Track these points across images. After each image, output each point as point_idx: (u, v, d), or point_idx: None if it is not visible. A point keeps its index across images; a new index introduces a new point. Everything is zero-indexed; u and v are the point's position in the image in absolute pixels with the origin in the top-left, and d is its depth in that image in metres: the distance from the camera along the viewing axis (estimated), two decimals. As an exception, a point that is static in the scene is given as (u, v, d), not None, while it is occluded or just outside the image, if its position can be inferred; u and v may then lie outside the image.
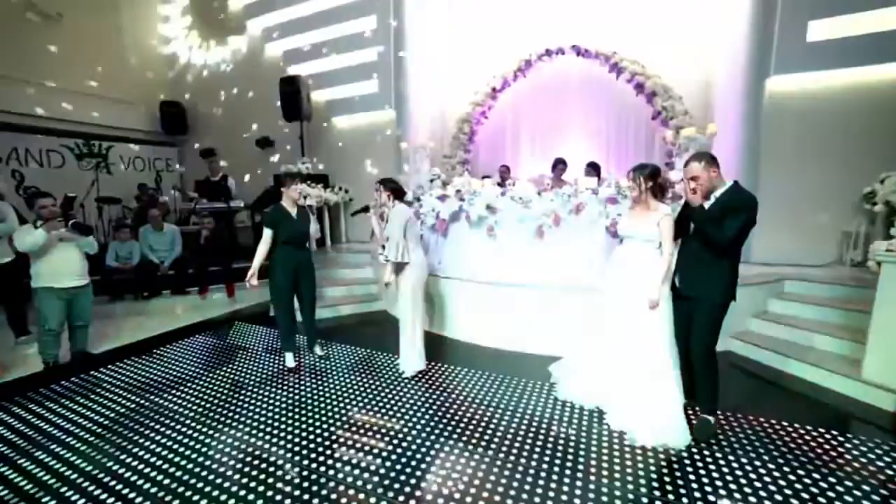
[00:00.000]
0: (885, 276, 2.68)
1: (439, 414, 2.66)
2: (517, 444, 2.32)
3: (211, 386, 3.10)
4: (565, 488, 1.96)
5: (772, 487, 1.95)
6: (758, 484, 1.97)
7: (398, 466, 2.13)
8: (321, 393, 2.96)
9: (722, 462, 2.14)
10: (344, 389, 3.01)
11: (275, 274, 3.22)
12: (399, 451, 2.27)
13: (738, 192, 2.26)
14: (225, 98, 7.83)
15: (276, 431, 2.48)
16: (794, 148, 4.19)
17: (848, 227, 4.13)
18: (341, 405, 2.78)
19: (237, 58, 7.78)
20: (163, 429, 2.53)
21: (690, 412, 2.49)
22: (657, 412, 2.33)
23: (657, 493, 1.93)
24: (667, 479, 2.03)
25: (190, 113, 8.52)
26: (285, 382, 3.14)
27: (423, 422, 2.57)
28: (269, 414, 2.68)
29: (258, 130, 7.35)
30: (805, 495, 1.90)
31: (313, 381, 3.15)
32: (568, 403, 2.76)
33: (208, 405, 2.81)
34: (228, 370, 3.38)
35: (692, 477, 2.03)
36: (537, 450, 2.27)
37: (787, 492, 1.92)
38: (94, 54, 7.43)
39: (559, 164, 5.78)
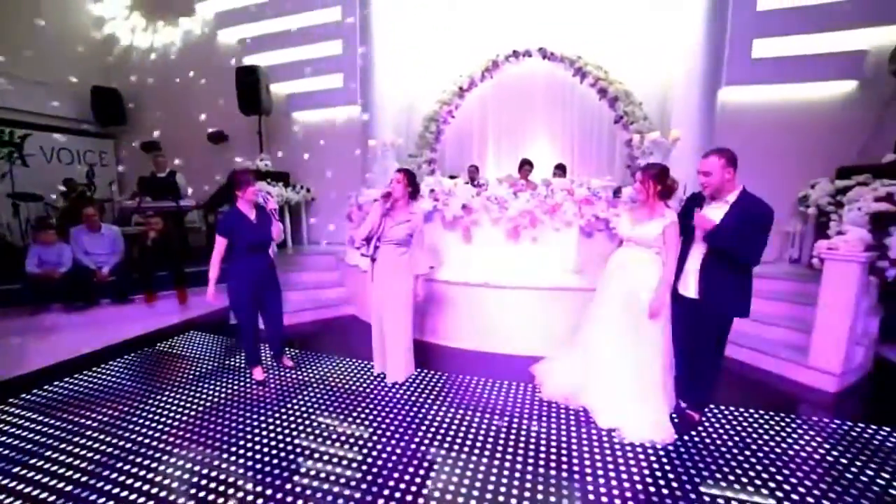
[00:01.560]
0: (826, 272, 2.98)
1: (426, 421, 2.57)
2: (510, 448, 2.30)
3: (166, 406, 2.77)
4: (564, 491, 1.97)
5: (750, 473, 2.09)
6: (738, 470, 2.11)
7: (389, 481, 2.03)
8: (294, 407, 2.76)
9: (705, 452, 2.26)
10: (320, 401, 2.83)
11: (233, 285, 2.91)
12: (388, 462, 2.17)
13: (758, 205, 2.15)
14: (171, 87, 7.15)
15: (246, 452, 2.27)
16: (743, 154, 4.51)
17: (787, 228, 4.57)
18: (318, 419, 2.61)
19: (185, 44, 7.12)
20: (111, 460, 2.22)
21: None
22: (646, 411, 2.40)
23: (651, 487, 1.99)
24: (658, 472, 2.10)
25: (129, 102, 7.70)
26: (253, 397, 2.89)
27: (409, 430, 2.47)
28: (238, 434, 2.45)
29: (210, 123, 6.79)
30: (778, 477, 2.05)
31: (285, 394, 2.93)
32: (553, 404, 2.79)
33: (165, 429, 2.51)
34: (186, 387, 3.05)
35: (680, 469, 2.12)
36: (531, 451, 2.26)
37: (763, 475, 2.07)
38: (2, 25, 6.46)
39: (525, 165, 5.87)
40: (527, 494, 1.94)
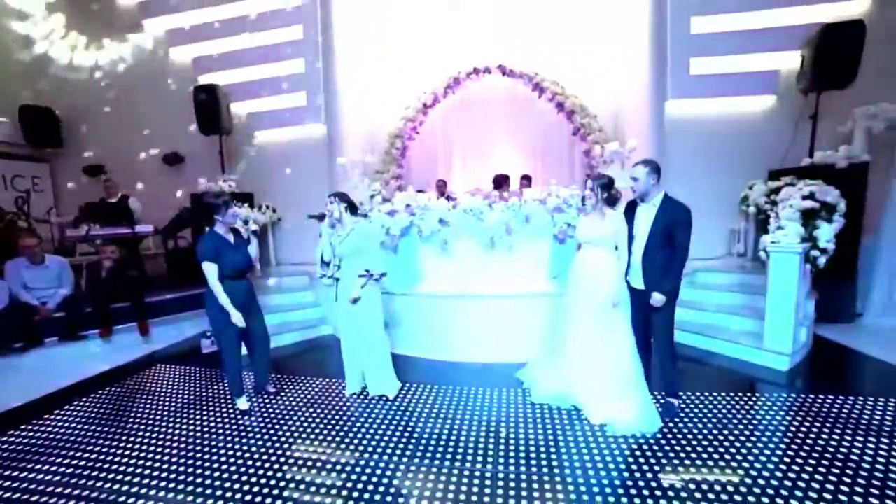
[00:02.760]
0: (772, 264, 3.34)
1: (425, 436, 2.58)
2: (511, 452, 2.36)
3: (141, 449, 2.55)
4: (570, 487, 2.05)
5: (732, 450, 2.29)
6: (721, 449, 2.30)
7: (399, 499, 2.02)
8: (284, 435, 2.65)
9: (690, 436, 2.45)
10: (310, 427, 2.74)
11: (216, 313, 2.81)
12: (392, 480, 2.15)
13: (678, 207, 2.55)
14: (118, 107, 6.70)
15: (242, 486, 2.16)
16: (691, 160, 5.00)
17: (733, 226, 5.06)
18: (311, 447, 2.53)
19: (134, 63, 6.73)
20: (93, 510, 2.04)
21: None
22: (632, 403, 2.56)
23: (648, 473, 2.12)
24: (652, 460, 2.24)
25: (66, 122, 7.12)
26: (240, 429, 2.74)
27: (409, 446, 2.47)
28: (228, 469, 2.32)
29: (165, 144, 6.42)
30: (755, 451, 2.26)
31: (273, 422, 2.81)
32: (545, 406, 2.88)
33: (145, 472, 2.33)
34: (161, 426, 2.83)
35: (672, 455, 2.29)
36: (532, 453, 2.33)
37: (742, 451, 2.27)
38: None
39: (504, 183, 5.90)
40: (535, 494, 2.00)
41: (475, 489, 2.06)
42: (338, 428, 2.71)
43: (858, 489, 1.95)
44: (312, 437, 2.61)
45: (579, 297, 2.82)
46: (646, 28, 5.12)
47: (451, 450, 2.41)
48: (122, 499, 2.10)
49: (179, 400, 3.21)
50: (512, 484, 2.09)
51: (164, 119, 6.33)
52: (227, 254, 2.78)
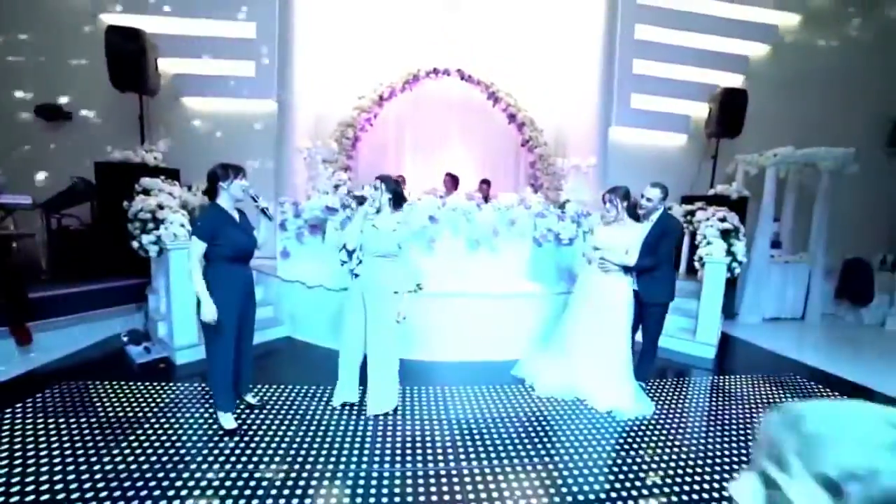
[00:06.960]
0: (707, 271, 4.12)
1: (451, 439, 2.53)
2: (540, 441, 2.48)
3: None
4: (599, 462, 2.24)
5: (692, 421, 2.77)
6: (683, 421, 2.77)
7: None
8: (284, 458, 2.29)
9: (670, 415, 2.89)
10: (312, 447, 2.39)
11: (216, 302, 2.31)
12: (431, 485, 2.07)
13: (671, 219, 3.03)
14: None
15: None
16: (625, 180, 5.71)
17: (655, 240, 6.06)
18: (319, 471, 2.25)
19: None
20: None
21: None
22: (630, 391, 2.91)
23: (660, 444, 2.45)
24: (658, 434, 2.60)
25: None
26: (223, 454, 2.26)
27: (438, 451, 2.40)
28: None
29: (41, 95, 4.88)
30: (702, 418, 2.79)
31: (264, 443, 2.39)
32: (551, 399, 3.06)
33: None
34: (95, 462, 2.16)
35: (658, 430, 2.69)
36: (549, 445, 2.47)
37: (702, 419, 2.78)
38: None
39: (447, 177, 6.14)
40: (566, 473, 2.14)
41: (514, 482, 2.11)
42: (357, 444, 2.46)
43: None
44: (326, 458, 2.33)
45: (589, 298, 3.06)
46: (597, 61, 5.81)
47: (472, 448, 2.41)
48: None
49: (108, 437, 2.35)
50: (551, 466, 2.22)
51: (46, 59, 4.86)
52: (231, 232, 2.34)
